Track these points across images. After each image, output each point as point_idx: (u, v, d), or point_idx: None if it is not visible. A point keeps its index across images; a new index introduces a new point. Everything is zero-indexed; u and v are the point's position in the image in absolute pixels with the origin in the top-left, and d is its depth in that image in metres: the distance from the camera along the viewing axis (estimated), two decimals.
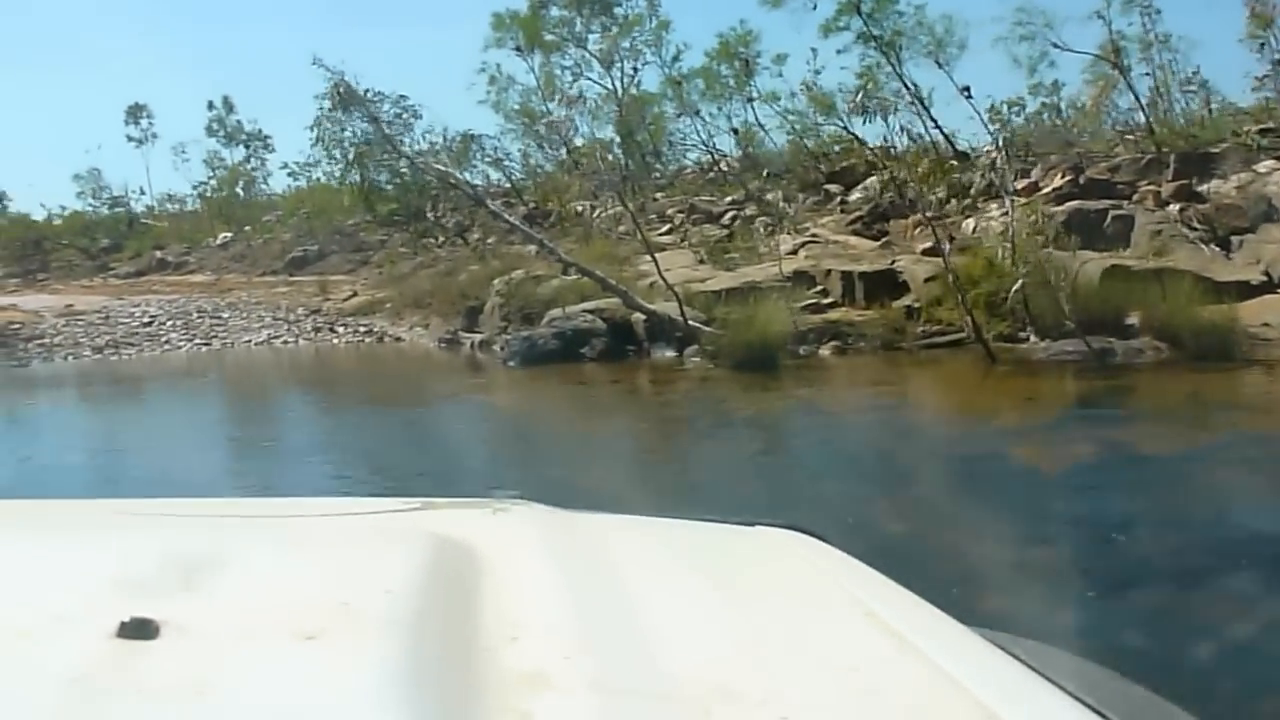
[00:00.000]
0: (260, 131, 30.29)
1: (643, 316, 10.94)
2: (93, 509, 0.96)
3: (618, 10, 20.07)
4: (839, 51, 15.65)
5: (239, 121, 30.28)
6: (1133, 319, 9.01)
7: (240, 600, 0.61)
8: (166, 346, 14.91)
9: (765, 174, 17.06)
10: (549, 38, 20.34)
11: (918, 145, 14.98)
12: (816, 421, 7.39)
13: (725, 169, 18.95)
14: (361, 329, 15.19)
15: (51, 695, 0.49)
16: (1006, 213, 10.70)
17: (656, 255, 11.61)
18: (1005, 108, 14.75)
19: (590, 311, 11.19)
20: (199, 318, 16.72)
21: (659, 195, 18.37)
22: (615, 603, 0.67)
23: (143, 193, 31.42)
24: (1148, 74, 14.85)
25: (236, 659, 0.54)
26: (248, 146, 30.54)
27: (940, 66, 15.03)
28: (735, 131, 19.04)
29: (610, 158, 18.44)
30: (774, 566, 0.84)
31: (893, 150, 15.53)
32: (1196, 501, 4.54)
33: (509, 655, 0.56)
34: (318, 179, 22.21)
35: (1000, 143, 12.27)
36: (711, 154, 19.69)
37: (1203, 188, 12.17)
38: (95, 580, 0.61)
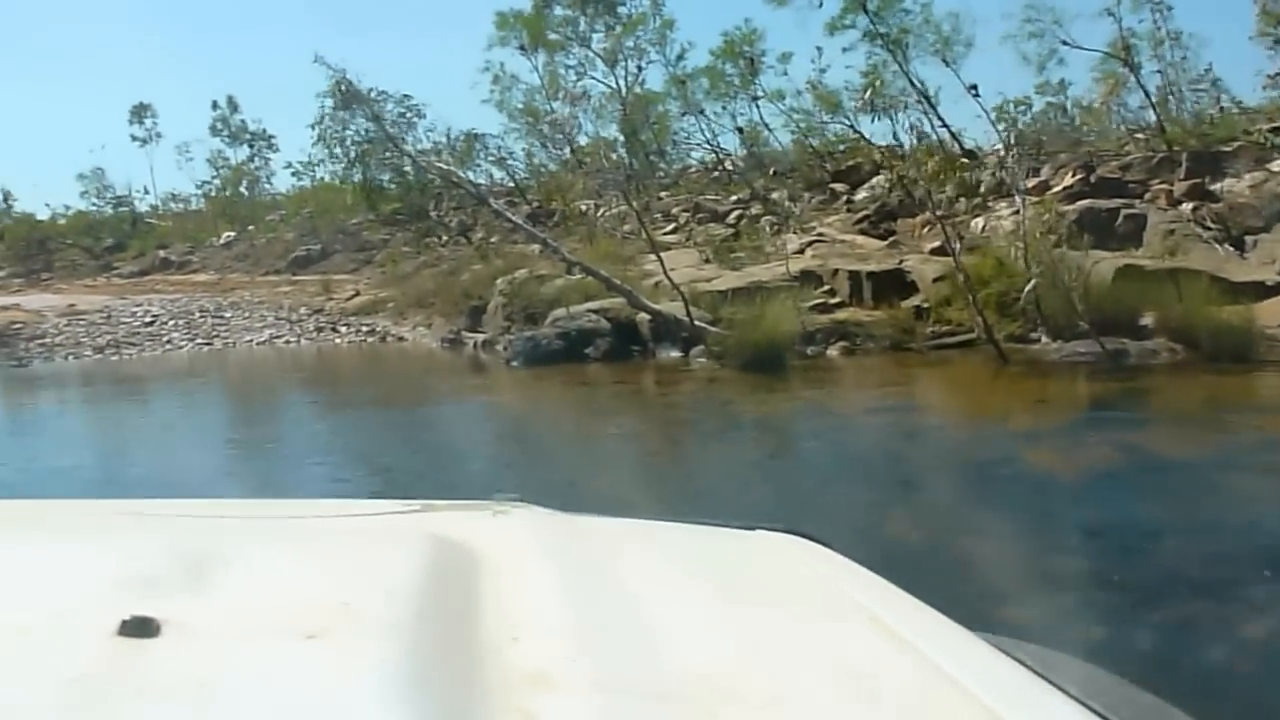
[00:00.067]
0: (264, 131, 30.39)
1: (648, 316, 10.82)
2: (94, 509, 0.95)
3: (621, 9, 20.00)
4: (844, 50, 15.56)
5: (243, 121, 30.39)
6: (1147, 319, 8.86)
7: (241, 599, 0.61)
8: (168, 346, 14.84)
9: (772, 172, 16.93)
10: (553, 37, 20.28)
11: (925, 144, 14.84)
12: (827, 424, 7.25)
13: (730, 168, 18.85)
14: (364, 329, 15.11)
15: (52, 693, 0.49)
16: (1017, 211, 10.55)
17: (661, 254, 11.49)
18: (1014, 106, 14.62)
19: (594, 311, 11.07)
20: (201, 317, 16.67)
21: (663, 194, 18.27)
22: (617, 604, 0.67)
23: (147, 192, 31.62)
24: (1159, 71, 14.68)
25: (237, 658, 0.54)
26: (252, 146, 30.63)
27: (947, 65, 14.92)
28: (740, 131, 18.95)
29: (615, 157, 18.33)
30: (776, 570, 0.84)
31: (899, 149, 15.40)
32: (1223, 509, 4.38)
33: (510, 655, 0.56)
34: (321, 178, 22.19)
35: (1012, 140, 12.11)
36: (716, 153, 19.60)
37: (1215, 187, 12.03)
38: (96, 579, 0.61)
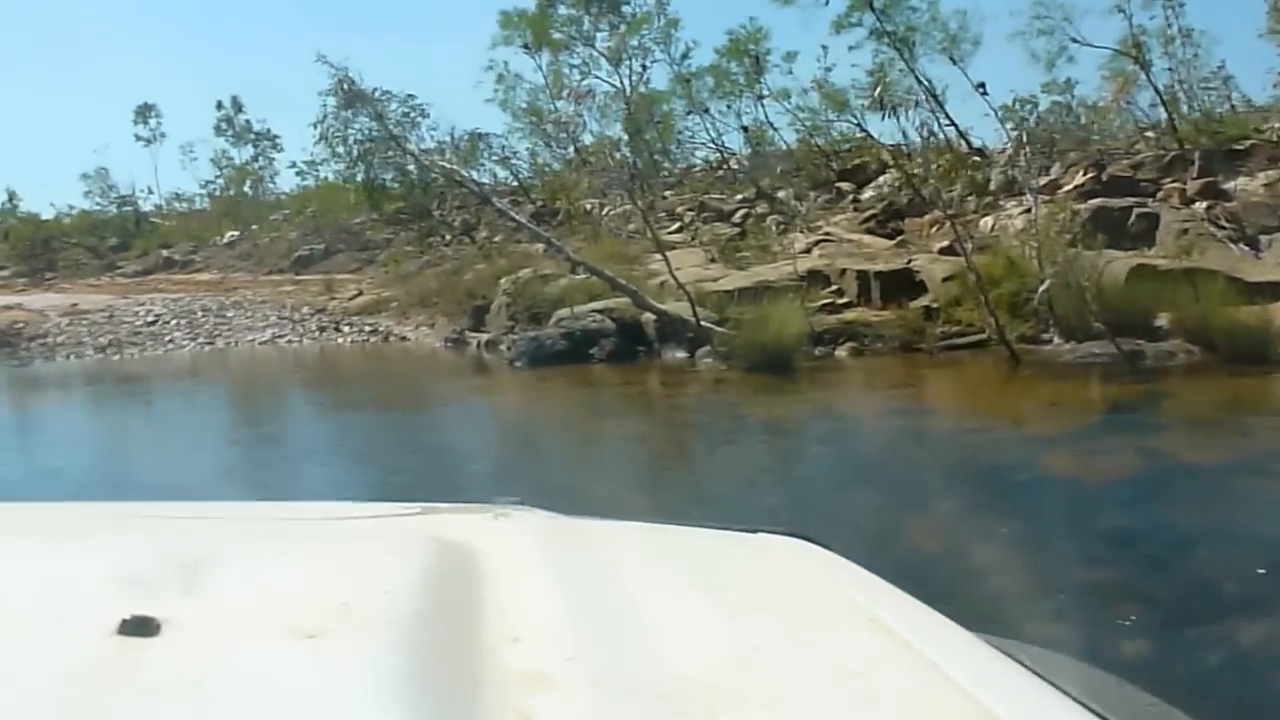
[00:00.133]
0: (269, 131, 30.32)
1: (653, 317, 10.69)
2: (95, 511, 0.95)
3: (626, 8, 19.88)
4: (851, 48, 15.44)
5: (247, 121, 30.33)
6: (1162, 320, 8.71)
7: (241, 600, 0.61)
8: (170, 346, 14.77)
9: (779, 171, 16.80)
10: (556, 36, 20.17)
11: (934, 142, 14.69)
12: (840, 427, 7.10)
13: (734, 167, 18.73)
14: (366, 328, 15.02)
15: (52, 691, 0.50)
16: (1027, 210, 10.40)
17: (667, 254, 11.36)
18: (1019, 105, 14.45)
19: (599, 311, 10.94)
20: (203, 317, 16.61)
21: (668, 193, 18.15)
22: (617, 606, 0.67)
23: (151, 192, 31.61)
24: (1170, 69, 14.51)
25: (237, 657, 0.54)
26: (256, 146, 30.56)
27: (954, 63, 14.78)
28: (745, 130, 18.83)
29: (619, 156, 18.22)
30: (777, 572, 0.84)
31: (905, 148, 15.26)
32: (1255, 517, 4.22)
33: (509, 655, 0.56)
34: (325, 178, 22.10)
35: (1024, 138, 11.95)
36: (721, 152, 19.49)
37: (1229, 185, 11.87)
38: (96, 579, 0.61)
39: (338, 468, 6.71)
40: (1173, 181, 12.36)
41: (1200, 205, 11.38)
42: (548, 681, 0.54)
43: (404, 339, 14.23)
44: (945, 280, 10.42)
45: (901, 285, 10.70)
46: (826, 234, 13.55)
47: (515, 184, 20.38)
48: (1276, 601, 3.30)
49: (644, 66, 19.80)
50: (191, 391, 11.53)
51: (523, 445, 7.44)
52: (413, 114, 14.79)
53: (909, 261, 11.31)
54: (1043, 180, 12.15)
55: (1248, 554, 3.66)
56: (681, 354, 10.24)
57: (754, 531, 0.92)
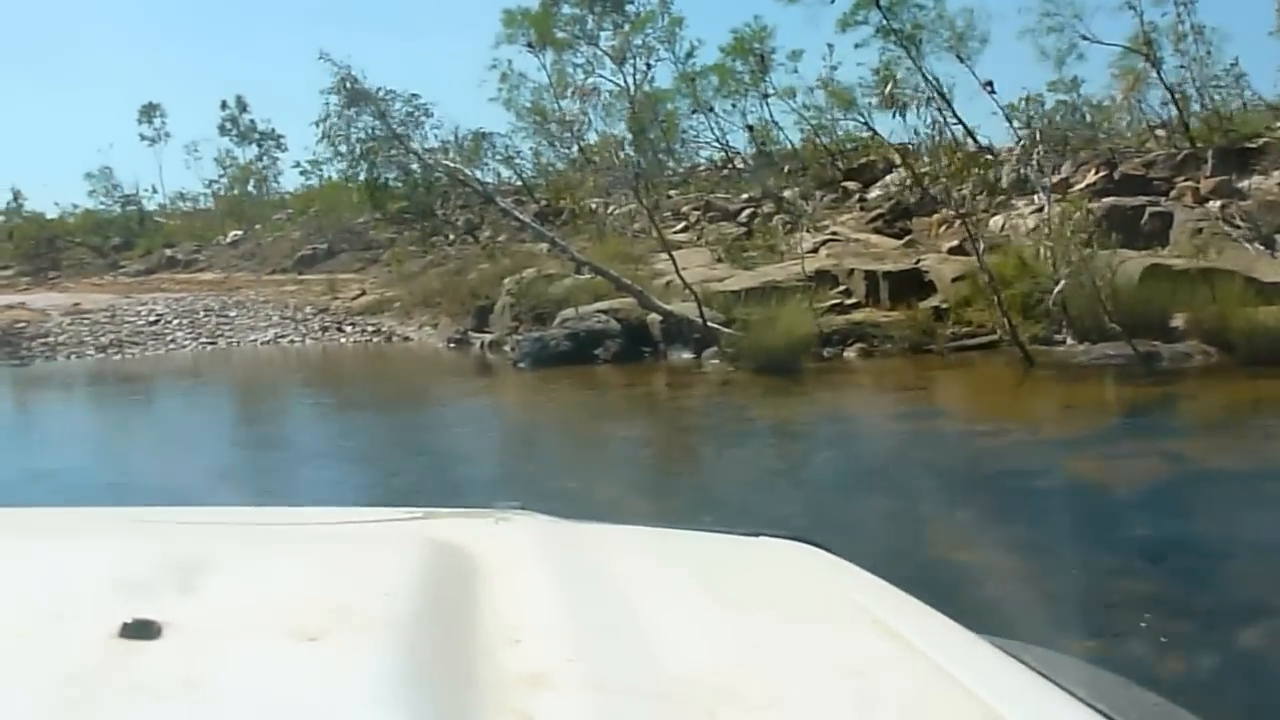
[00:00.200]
0: (273, 130, 30.29)
1: (658, 317, 10.56)
2: (97, 516, 0.95)
3: (630, 7, 19.77)
4: (857, 46, 15.33)
5: (252, 120, 30.31)
6: (1177, 321, 8.55)
7: (241, 602, 0.61)
8: (171, 345, 14.69)
9: (786, 170, 16.68)
10: (560, 35, 20.06)
11: (941, 141, 14.55)
12: (852, 431, 6.94)
13: (739, 166, 18.61)
14: (369, 328, 14.93)
15: (53, 693, 0.50)
16: (1039, 209, 10.25)
17: (673, 254, 11.22)
18: (1027, 103, 14.28)
19: (604, 312, 10.81)
20: (205, 316, 16.55)
21: (672, 192, 18.02)
22: (617, 608, 0.66)
23: (155, 191, 31.58)
24: (1183, 67, 14.34)
25: (237, 660, 0.54)
26: (260, 145, 30.53)
27: (961, 61, 14.65)
28: (750, 129, 18.72)
29: (623, 155, 18.10)
30: (778, 575, 0.84)
31: (911, 146, 15.13)
32: None
33: (509, 657, 0.56)
34: (329, 177, 22.02)
35: (1037, 136, 11.79)
36: (725, 151, 19.37)
37: (1243, 184, 11.71)
38: (97, 583, 0.61)
39: (338, 471, 6.59)
40: (1185, 180, 12.21)
41: (1214, 204, 11.22)
42: (548, 683, 0.54)
43: (407, 339, 14.12)
44: (955, 280, 10.29)
45: (910, 285, 10.57)
46: (833, 234, 13.41)
47: (519, 184, 20.28)
48: None
49: (648, 65, 19.74)
50: (189, 392, 11.43)
51: (528, 449, 7.31)
52: (416, 113, 14.70)
53: (918, 261, 11.17)
54: (1054, 179, 12.01)
55: None
56: (687, 355, 10.11)
57: (755, 535, 0.91)
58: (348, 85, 13.76)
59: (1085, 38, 14.45)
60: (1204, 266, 9.16)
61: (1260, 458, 5.33)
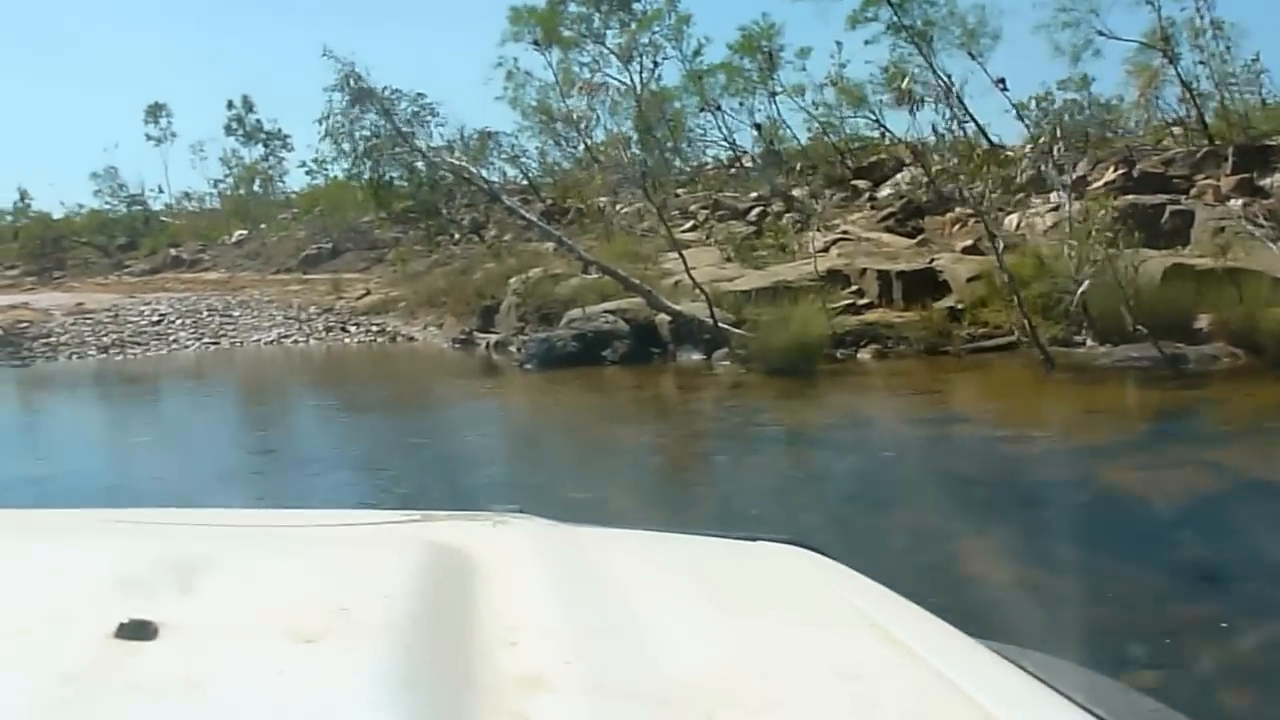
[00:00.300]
0: (279, 130, 30.23)
1: (667, 317, 10.35)
2: (95, 518, 0.94)
3: (636, 5, 19.59)
4: (866, 43, 15.13)
5: (258, 120, 30.27)
6: (1201, 322, 8.32)
7: (239, 604, 0.61)
8: (174, 345, 14.55)
9: (798, 168, 16.48)
10: (567, 33, 19.90)
11: (954, 139, 14.33)
12: (869, 435, 6.71)
13: (747, 165, 18.42)
14: (374, 328, 14.78)
15: (50, 693, 0.50)
16: (1055, 208, 10.01)
17: (683, 253, 11.02)
18: (1040, 101, 14.03)
19: (612, 312, 10.61)
20: (209, 316, 16.44)
21: (680, 191, 17.83)
22: (615, 611, 0.66)
23: (161, 191, 31.55)
24: (1202, 63, 14.07)
25: (234, 660, 0.54)
26: (266, 145, 30.48)
27: (973, 58, 14.42)
28: (758, 127, 18.52)
29: (630, 153, 17.92)
30: (776, 579, 0.83)
31: (921, 144, 14.91)
32: None
33: (506, 659, 0.56)
34: (334, 176, 21.88)
35: (1057, 133, 11.55)
36: (733, 149, 19.19)
37: (1265, 182, 11.46)
38: (95, 583, 0.61)
39: (339, 473, 6.42)
40: (1206, 178, 11.97)
41: (1236, 202, 10.98)
42: (545, 685, 0.53)
43: (411, 339, 13.95)
44: (970, 280, 10.08)
45: (924, 285, 10.36)
46: (844, 232, 13.20)
47: (525, 182, 20.12)
48: None
49: (655, 63, 19.56)
50: (189, 393, 11.25)
51: (534, 454, 7.11)
52: (422, 112, 14.54)
53: (931, 261, 10.96)
54: (1072, 176, 11.77)
55: None
56: (697, 356, 9.91)
57: (753, 539, 0.91)
58: (351, 82, 13.61)
59: (1101, 33, 14.20)
60: (1228, 266, 8.92)
61: None
